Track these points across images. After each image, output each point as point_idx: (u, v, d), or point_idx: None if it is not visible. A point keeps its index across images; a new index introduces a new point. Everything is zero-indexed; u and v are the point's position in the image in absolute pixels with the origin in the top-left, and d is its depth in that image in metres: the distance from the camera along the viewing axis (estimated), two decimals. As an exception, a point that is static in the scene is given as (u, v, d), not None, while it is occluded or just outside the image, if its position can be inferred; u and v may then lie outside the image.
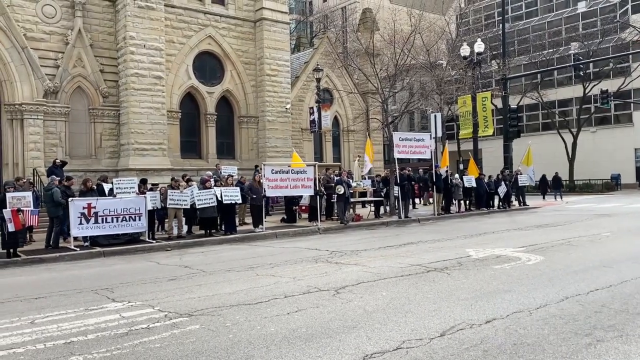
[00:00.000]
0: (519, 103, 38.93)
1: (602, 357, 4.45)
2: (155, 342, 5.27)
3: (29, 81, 19.85)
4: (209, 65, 25.04)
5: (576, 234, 13.39)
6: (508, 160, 26.65)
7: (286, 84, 26.73)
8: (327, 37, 32.17)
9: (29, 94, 19.82)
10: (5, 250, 11.93)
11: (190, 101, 24.67)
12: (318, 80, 25.54)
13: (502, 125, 29.09)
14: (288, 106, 26.59)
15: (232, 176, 18.25)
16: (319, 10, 60.65)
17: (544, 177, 32.76)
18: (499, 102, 33.96)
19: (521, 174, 25.52)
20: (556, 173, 32.48)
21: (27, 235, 14.19)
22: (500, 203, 23.98)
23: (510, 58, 34.83)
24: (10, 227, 11.67)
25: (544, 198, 31.55)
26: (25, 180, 14.69)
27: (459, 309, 6.12)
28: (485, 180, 23.58)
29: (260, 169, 18.35)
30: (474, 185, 22.46)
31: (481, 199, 23.03)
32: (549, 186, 32.38)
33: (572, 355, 4.50)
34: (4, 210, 11.80)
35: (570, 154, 40.60)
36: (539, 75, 40.99)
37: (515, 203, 25.02)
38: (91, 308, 6.86)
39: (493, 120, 30.11)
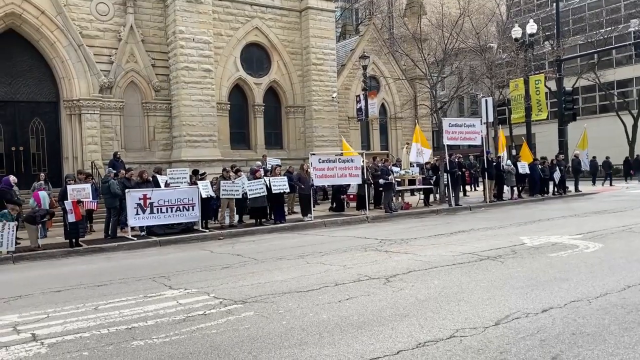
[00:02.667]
0: (574, 85, 37.34)
1: (669, 348, 4.26)
2: (211, 328, 5.44)
3: (86, 77, 20.63)
4: (256, 57, 25.27)
5: (637, 220, 12.82)
6: (563, 145, 25.71)
7: (332, 72, 26.66)
8: (373, 23, 31.82)
9: (85, 90, 20.61)
10: (68, 240, 12.54)
11: (238, 93, 25.01)
12: (364, 67, 25.35)
13: (556, 109, 28.07)
14: (334, 95, 26.54)
15: (280, 166, 18.44)
16: (364, -4, 59.97)
17: (627, 159, 32.46)
18: (553, 85, 32.73)
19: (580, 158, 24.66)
20: (637, 156, 31.85)
21: (88, 225, 14.84)
22: (555, 189, 23.21)
23: (564, 38, 33.47)
24: (71, 218, 12.24)
25: (626, 180, 30.90)
26: (83, 175, 15.34)
27: (514, 297, 6.00)
28: (539, 166, 22.86)
29: (306, 159, 18.55)
30: (528, 171, 21.81)
31: (535, 185, 22.35)
32: (633, 168, 31.79)
33: (635, 345, 4.33)
34: (65, 201, 12.38)
35: (630, 137, 38.74)
36: (595, 55, 39.13)
37: (572, 189, 24.15)
38: (150, 295, 7.13)
39: (547, 103, 29.08)
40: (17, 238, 12.13)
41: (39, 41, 20.21)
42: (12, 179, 13.75)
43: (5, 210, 11.85)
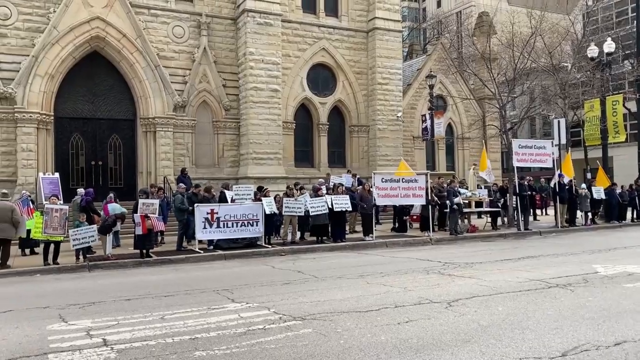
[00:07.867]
0: (656, 106, 35.20)
1: None
2: (270, 342, 5.52)
3: (161, 97, 21.72)
4: (321, 77, 25.66)
5: None
6: (644, 169, 24.25)
7: (397, 92, 26.61)
8: (441, 42, 31.54)
9: (160, 109, 21.69)
10: (138, 251, 13.13)
11: (303, 112, 25.44)
12: (431, 87, 25.13)
13: (636, 131, 26.56)
14: (399, 114, 26.44)
15: (342, 185, 18.50)
16: (433, 16, 59.70)
17: None
18: (633, 106, 31.03)
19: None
20: None
21: (159, 238, 15.45)
22: (635, 216, 21.87)
23: (646, 57, 31.66)
24: (138, 231, 12.86)
25: None
26: (156, 188, 16.09)
27: (584, 328, 5.70)
28: (618, 191, 21.65)
29: (369, 178, 18.54)
30: (603, 196, 20.74)
31: (613, 211, 21.17)
32: None
33: None
34: (134, 214, 13.00)
35: None
36: (681, 75, 36.79)
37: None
38: (213, 307, 7.33)
39: (626, 125, 27.62)
40: (91, 248, 12.91)
41: (119, 62, 21.52)
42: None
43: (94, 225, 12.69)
